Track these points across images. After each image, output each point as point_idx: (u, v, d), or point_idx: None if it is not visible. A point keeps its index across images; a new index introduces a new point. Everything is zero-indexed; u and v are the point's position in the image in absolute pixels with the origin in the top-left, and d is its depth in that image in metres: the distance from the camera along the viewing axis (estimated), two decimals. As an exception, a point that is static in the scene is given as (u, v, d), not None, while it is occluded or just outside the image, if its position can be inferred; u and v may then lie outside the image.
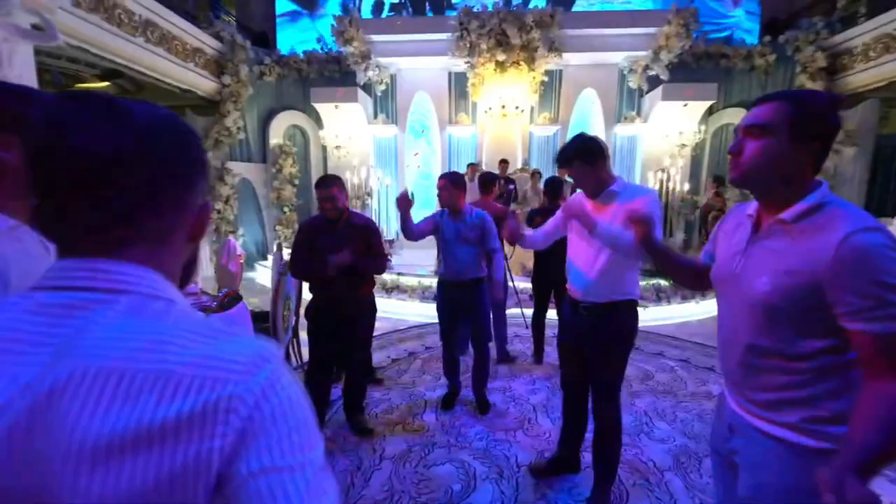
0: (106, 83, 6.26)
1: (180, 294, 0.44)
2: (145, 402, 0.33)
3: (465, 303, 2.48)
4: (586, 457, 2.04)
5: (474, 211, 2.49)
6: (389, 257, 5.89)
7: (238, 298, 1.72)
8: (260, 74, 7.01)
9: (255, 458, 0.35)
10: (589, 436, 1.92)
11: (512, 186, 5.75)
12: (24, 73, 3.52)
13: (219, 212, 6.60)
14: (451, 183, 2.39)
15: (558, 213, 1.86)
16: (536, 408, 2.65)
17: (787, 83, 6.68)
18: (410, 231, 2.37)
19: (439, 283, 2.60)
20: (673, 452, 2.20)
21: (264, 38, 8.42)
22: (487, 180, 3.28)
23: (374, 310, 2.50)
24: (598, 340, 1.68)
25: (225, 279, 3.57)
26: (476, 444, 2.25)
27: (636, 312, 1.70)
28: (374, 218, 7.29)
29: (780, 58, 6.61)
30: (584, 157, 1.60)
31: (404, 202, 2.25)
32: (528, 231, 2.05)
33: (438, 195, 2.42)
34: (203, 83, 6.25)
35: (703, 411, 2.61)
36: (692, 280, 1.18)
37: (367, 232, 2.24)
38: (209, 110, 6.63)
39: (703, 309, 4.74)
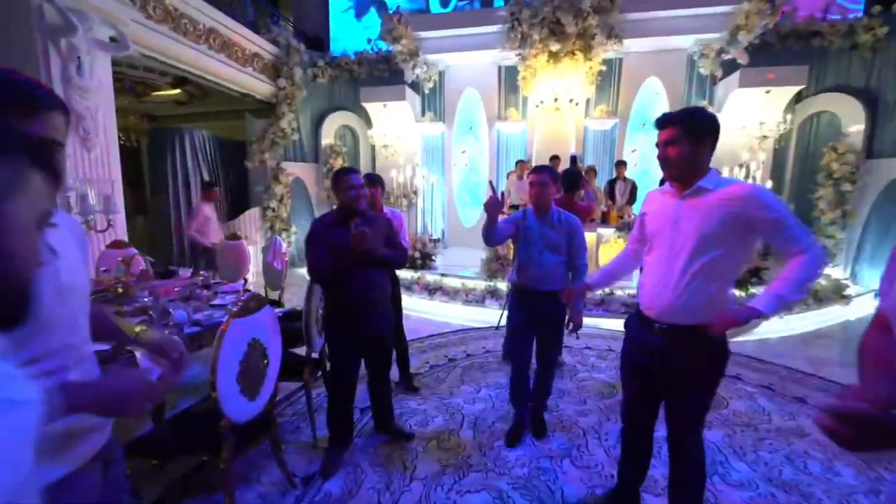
0: (177, 90, 6.76)
1: None
2: None
3: (545, 313, 2.20)
4: (646, 499, 1.75)
5: (561, 213, 2.20)
6: (434, 258, 5.78)
7: (263, 301, 1.65)
8: (313, 77, 7.19)
9: None
10: (660, 479, 1.62)
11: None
12: (103, 81, 3.81)
13: (273, 210, 6.89)
14: (552, 179, 2.15)
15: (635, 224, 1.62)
16: (587, 432, 2.36)
17: (900, 61, 5.65)
18: (494, 235, 2.12)
19: (515, 289, 2.34)
20: (755, 503, 1.84)
21: (319, 42, 8.68)
22: (574, 177, 2.95)
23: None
24: (680, 364, 1.40)
25: (271, 276, 3.64)
26: (516, 471, 2.03)
27: (725, 337, 1.38)
28: (419, 216, 7.25)
29: (892, 31, 5.61)
30: (690, 128, 1.30)
31: (495, 205, 1.96)
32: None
33: (536, 192, 2.15)
34: (260, 87, 6.52)
35: (793, 452, 2.19)
36: None
37: (385, 224, 2.10)
38: (266, 112, 6.93)
39: (787, 326, 4.12)
